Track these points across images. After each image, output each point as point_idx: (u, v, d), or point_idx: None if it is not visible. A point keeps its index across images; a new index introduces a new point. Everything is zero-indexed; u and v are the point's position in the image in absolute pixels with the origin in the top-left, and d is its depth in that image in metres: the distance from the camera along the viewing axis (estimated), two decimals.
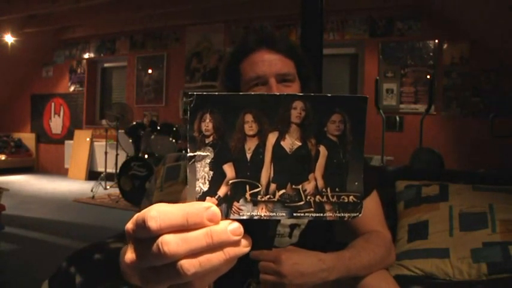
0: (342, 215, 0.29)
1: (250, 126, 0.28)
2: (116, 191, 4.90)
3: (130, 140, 4.70)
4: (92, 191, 4.89)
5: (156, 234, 0.26)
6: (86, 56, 6.80)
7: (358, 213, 0.29)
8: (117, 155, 5.25)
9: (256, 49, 0.90)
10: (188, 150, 0.28)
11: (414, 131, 4.07)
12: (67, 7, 5.18)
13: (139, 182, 4.28)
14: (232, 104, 0.28)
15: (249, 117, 0.28)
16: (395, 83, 4.74)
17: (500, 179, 1.47)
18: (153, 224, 0.26)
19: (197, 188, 0.28)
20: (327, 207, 0.29)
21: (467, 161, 4.27)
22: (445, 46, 4.51)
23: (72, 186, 5.72)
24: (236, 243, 0.27)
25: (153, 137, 4.45)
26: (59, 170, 6.89)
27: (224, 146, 0.28)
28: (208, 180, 0.28)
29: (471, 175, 1.54)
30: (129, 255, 0.28)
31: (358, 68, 5.08)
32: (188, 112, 0.28)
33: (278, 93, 0.28)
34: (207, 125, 0.28)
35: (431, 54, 4.58)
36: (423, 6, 4.56)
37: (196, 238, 0.26)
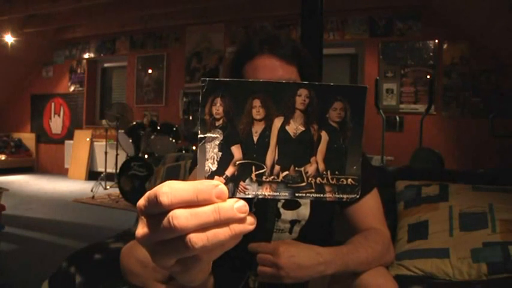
0: (341, 196, 0.31)
1: (257, 111, 0.30)
2: (116, 191, 4.91)
3: (130, 140, 4.70)
4: (92, 191, 4.90)
5: (167, 209, 0.27)
6: (86, 56, 6.80)
7: (355, 195, 0.31)
8: (117, 155, 5.25)
9: (258, 53, 0.89)
10: (199, 132, 0.30)
11: (414, 131, 4.07)
12: (67, 7, 5.18)
13: (139, 182, 4.28)
14: (242, 89, 0.30)
15: (256, 103, 0.30)
16: (395, 83, 4.74)
17: (500, 179, 1.47)
18: (164, 199, 0.27)
19: (206, 168, 0.30)
20: (327, 188, 0.31)
21: (467, 161, 4.27)
22: (445, 46, 4.51)
23: (72, 186, 5.72)
24: (242, 221, 0.28)
25: (153, 137, 4.45)
26: (59, 170, 6.90)
27: (233, 129, 0.30)
28: (217, 160, 0.30)
29: (471, 175, 1.54)
30: (140, 230, 0.29)
31: (358, 68, 5.08)
32: (200, 96, 0.29)
33: (284, 81, 0.30)
34: (218, 108, 0.29)
35: (431, 54, 4.58)
36: (423, 6, 4.56)
37: (204, 213, 0.27)
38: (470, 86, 4.41)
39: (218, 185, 0.28)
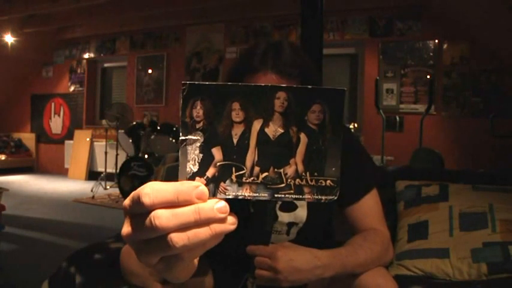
0: (319, 197, 0.31)
1: (237, 114, 0.30)
2: (116, 191, 4.91)
3: (130, 140, 4.70)
4: (92, 191, 4.90)
5: (149, 209, 0.28)
6: (86, 56, 6.80)
7: (333, 197, 0.31)
8: (117, 155, 5.25)
9: (261, 70, 0.86)
10: (180, 134, 0.31)
11: (414, 131, 4.07)
12: (67, 7, 5.18)
13: (139, 182, 4.28)
14: (221, 93, 0.30)
15: (236, 105, 0.30)
16: (395, 83, 4.74)
17: (500, 179, 1.47)
18: (146, 200, 0.28)
19: (188, 169, 0.31)
20: (306, 189, 0.31)
21: (467, 161, 4.27)
22: (445, 46, 4.51)
23: (72, 186, 5.72)
24: (222, 221, 0.29)
25: (153, 137, 4.45)
26: (59, 170, 6.89)
27: (213, 131, 0.31)
28: (198, 162, 0.31)
29: (471, 175, 1.54)
30: (125, 229, 0.30)
31: (358, 68, 5.08)
32: (181, 99, 0.30)
33: (263, 84, 0.31)
34: (198, 111, 0.30)
35: (431, 54, 4.58)
36: (423, 6, 4.56)
37: (185, 214, 0.28)
38: (470, 86, 4.41)
39: (199, 186, 0.29)
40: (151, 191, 0.28)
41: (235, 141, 0.31)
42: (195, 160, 0.30)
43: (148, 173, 4.17)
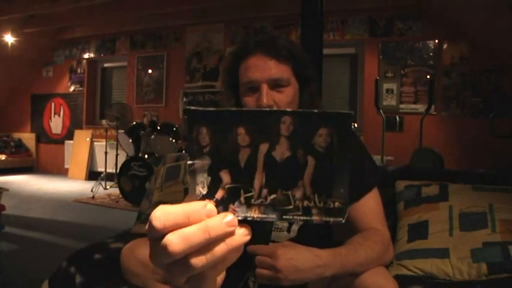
0: (327, 219, 0.31)
1: (242, 138, 0.30)
2: (116, 191, 4.91)
3: (130, 140, 4.70)
4: (92, 191, 4.90)
5: (162, 233, 0.28)
6: (86, 56, 6.80)
7: (342, 218, 0.31)
8: (117, 155, 5.25)
9: (252, 53, 0.91)
10: (188, 158, 0.31)
11: (414, 131, 4.07)
12: (67, 7, 5.18)
13: (139, 182, 4.28)
14: (225, 119, 0.30)
15: (241, 130, 0.30)
16: (395, 83, 4.74)
17: (500, 179, 1.47)
18: (157, 224, 0.28)
19: (197, 192, 0.31)
20: (314, 211, 0.31)
21: (467, 161, 4.27)
22: (445, 46, 4.51)
23: (72, 186, 5.72)
24: (235, 233, 0.29)
25: (153, 137, 4.45)
26: (59, 170, 6.89)
27: (220, 155, 0.31)
28: (206, 184, 0.31)
29: (471, 175, 1.54)
30: (150, 253, 0.31)
31: (358, 68, 5.08)
32: (187, 124, 0.30)
33: (268, 109, 0.31)
34: (204, 137, 0.30)
35: (431, 54, 4.58)
36: (423, 6, 4.56)
37: (195, 235, 0.28)
38: (470, 86, 4.41)
39: (206, 204, 0.29)
40: (162, 214, 0.28)
41: (242, 164, 0.31)
42: (204, 183, 0.31)
43: (148, 173, 4.17)
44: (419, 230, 1.36)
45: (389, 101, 4.76)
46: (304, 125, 0.30)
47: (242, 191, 0.31)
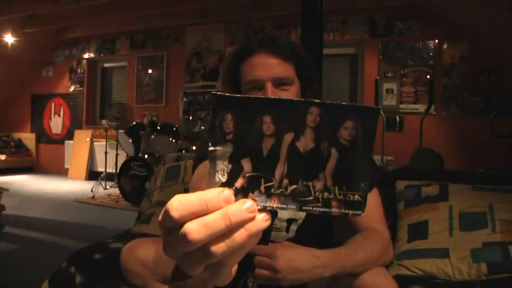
0: (346, 211, 0.31)
1: (268, 127, 0.30)
2: (116, 191, 4.91)
3: (130, 140, 4.70)
4: (92, 191, 4.90)
5: (180, 223, 0.28)
6: (86, 56, 6.80)
7: (360, 212, 0.32)
8: (117, 155, 5.25)
9: (256, 52, 0.92)
10: (210, 144, 0.30)
11: (414, 131, 4.07)
12: (67, 7, 5.18)
13: (139, 182, 4.28)
14: (252, 106, 0.30)
15: (267, 119, 0.30)
16: (395, 83, 4.74)
17: (500, 179, 1.47)
18: (175, 214, 0.28)
19: (216, 179, 0.30)
20: (333, 203, 0.31)
21: (467, 161, 4.27)
22: (445, 46, 4.51)
23: (72, 186, 5.72)
24: (254, 219, 0.29)
25: (153, 137, 4.45)
26: (59, 170, 6.89)
27: (243, 143, 0.30)
28: (227, 172, 0.30)
29: (471, 175, 1.54)
30: (165, 244, 0.30)
31: (358, 68, 5.08)
32: (211, 110, 0.30)
33: (296, 99, 0.30)
34: (228, 123, 0.30)
35: (431, 54, 4.58)
36: (423, 6, 4.56)
37: (215, 222, 0.28)
38: (470, 86, 4.41)
39: (223, 190, 0.29)
40: (179, 203, 0.28)
41: (265, 153, 0.31)
42: (223, 170, 0.30)
43: (148, 173, 4.17)
44: (419, 230, 1.36)
45: (389, 101, 4.76)
46: (330, 117, 0.30)
47: (263, 180, 0.31)
